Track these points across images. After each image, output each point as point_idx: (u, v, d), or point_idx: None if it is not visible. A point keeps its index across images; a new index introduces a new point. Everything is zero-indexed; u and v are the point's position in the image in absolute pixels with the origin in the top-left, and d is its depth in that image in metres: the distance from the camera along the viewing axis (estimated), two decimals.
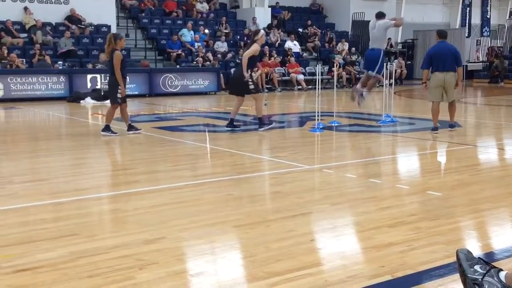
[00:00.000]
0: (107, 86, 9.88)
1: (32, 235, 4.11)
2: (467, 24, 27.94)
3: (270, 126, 9.95)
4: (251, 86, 9.73)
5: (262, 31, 10.30)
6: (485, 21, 28.54)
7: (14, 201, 5.15)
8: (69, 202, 5.11)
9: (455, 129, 9.69)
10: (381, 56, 10.52)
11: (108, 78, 9.53)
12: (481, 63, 26.99)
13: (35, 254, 3.69)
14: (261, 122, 9.89)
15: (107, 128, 9.16)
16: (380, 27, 10.67)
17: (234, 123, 9.91)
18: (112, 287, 3.17)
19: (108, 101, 15.05)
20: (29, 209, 4.88)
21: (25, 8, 18.41)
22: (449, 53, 9.42)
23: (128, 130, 9.31)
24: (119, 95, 9.08)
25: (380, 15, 10.85)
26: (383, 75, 11.05)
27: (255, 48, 9.69)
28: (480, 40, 28.55)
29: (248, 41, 11.66)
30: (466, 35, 26.90)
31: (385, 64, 10.74)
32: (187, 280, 3.31)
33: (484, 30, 28.48)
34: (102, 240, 3.99)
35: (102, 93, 15.75)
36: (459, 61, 9.45)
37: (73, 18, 19.14)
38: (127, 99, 9.48)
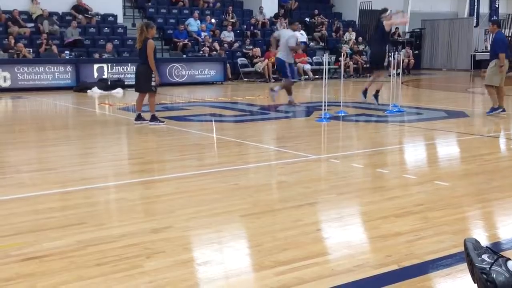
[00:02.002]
0: (134, 75, 9.75)
1: (40, 224, 4.13)
2: (475, 14, 27.69)
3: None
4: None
5: (388, 10, 11.49)
6: (494, 10, 28.28)
7: (22, 190, 5.17)
8: (77, 191, 5.13)
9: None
10: (283, 65, 11.66)
11: (137, 66, 9.45)
12: (489, 53, 26.80)
13: (43, 243, 3.71)
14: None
15: (154, 118, 9.15)
16: (284, 36, 11.76)
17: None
18: (119, 275, 3.19)
19: (115, 91, 15.35)
20: (36, 198, 4.90)
21: None
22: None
23: (151, 120, 9.17)
24: (153, 83, 9.05)
25: (291, 23, 12.41)
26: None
27: (388, 22, 11.12)
28: (488, 29, 28.34)
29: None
30: (474, 25, 26.68)
31: (288, 69, 11.63)
32: (194, 269, 3.32)
33: (492, 19, 28.23)
34: (110, 229, 4.01)
35: (109, 83, 15.77)
36: None
37: (79, 8, 19.12)
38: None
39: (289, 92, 11.94)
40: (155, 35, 20.19)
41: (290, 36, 11.55)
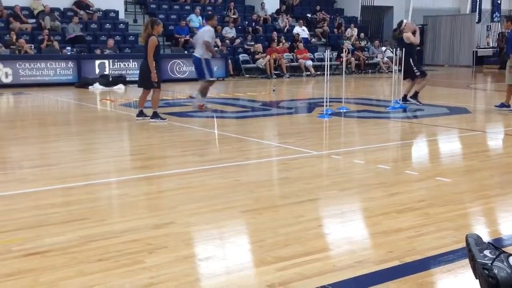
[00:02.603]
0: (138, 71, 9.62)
1: (42, 220, 4.14)
2: (477, 10, 27.61)
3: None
4: (417, 72, 10.69)
5: (405, 21, 11.18)
6: (496, 6, 28.17)
7: (24, 185, 5.17)
8: (78, 187, 5.13)
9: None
10: (199, 62, 10.67)
11: (141, 63, 9.32)
12: (491, 49, 26.75)
13: (45, 238, 3.71)
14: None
15: (155, 115, 9.09)
16: (200, 33, 11.04)
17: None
18: (121, 270, 3.19)
19: (117, 87, 15.35)
20: (38, 194, 4.91)
21: None
22: None
23: (152, 117, 9.09)
24: (156, 79, 9.01)
25: (208, 18, 11.43)
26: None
27: (408, 34, 10.70)
28: (490, 25, 28.27)
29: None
30: (477, 21, 26.62)
31: (206, 68, 10.68)
32: (195, 264, 3.33)
33: (494, 15, 28.14)
34: (112, 225, 4.01)
35: (110, 79, 15.77)
36: None
37: (81, 4, 19.10)
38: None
39: (203, 94, 10.86)
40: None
41: (206, 31, 10.83)
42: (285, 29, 22.32)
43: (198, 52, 10.72)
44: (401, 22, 11.22)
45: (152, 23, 8.99)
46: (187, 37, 19.50)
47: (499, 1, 28.01)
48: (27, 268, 3.23)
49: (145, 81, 9.14)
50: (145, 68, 9.05)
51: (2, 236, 3.78)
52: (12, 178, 5.58)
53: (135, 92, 14.30)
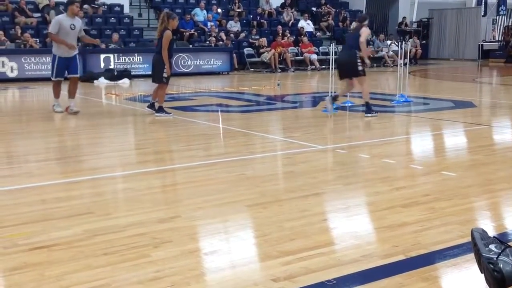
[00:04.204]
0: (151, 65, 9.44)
1: (47, 214, 4.15)
2: (483, 3, 27.44)
3: (375, 114, 9.08)
4: (360, 68, 9.12)
5: (367, 18, 9.80)
6: (502, 0, 28.02)
7: (29, 179, 5.19)
8: (84, 181, 5.15)
9: None
10: (53, 59, 9.38)
11: (153, 56, 9.19)
12: (497, 43, 26.61)
13: (51, 232, 3.73)
14: (368, 107, 9.14)
15: (161, 110, 9.04)
16: None
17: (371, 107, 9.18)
18: (127, 264, 3.20)
19: (122, 81, 15.36)
20: (44, 188, 4.92)
21: None
22: None
23: (158, 111, 9.03)
24: (165, 75, 8.93)
25: (68, 3, 9.36)
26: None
27: (367, 32, 9.33)
28: (496, 19, 28.09)
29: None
30: (482, 14, 26.46)
31: (55, 65, 9.25)
32: (201, 259, 3.34)
33: (500, 9, 27.96)
34: (117, 219, 4.03)
35: (115, 73, 15.78)
36: None
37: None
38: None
39: (70, 94, 9.54)
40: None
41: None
42: (290, 23, 22.27)
43: (53, 48, 9.42)
44: (366, 17, 10.21)
45: (168, 16, 8.89)
46: (192, 31, 19.49)
47: None
48: (33, 262, 3.25)
49: (155, 75, 9.10)
50: (156, 62, 8.99)
51: (9, 230, 3.79)
52: (18, 172, 5.60)
53: (140, 87, 14.35)
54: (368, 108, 9.12)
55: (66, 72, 9.60)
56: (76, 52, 9.60)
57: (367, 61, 9.61)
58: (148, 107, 9.31)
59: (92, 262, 3.24)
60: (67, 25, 9.23)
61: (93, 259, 3.28)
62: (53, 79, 9.56)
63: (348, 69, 9.21)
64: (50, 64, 9.71)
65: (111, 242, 3.54)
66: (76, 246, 3.49)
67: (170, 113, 9.11)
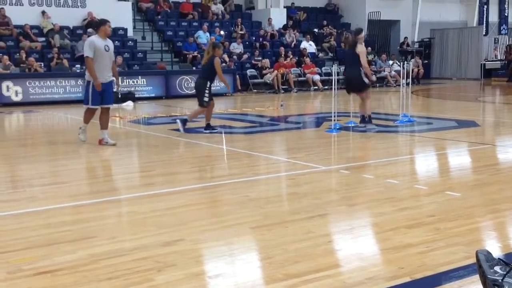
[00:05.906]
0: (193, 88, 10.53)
1: (52, 238, 4.15)
2: (484, 22, 27.61)
3: (376, 128, 9.89)
4: (366, 81, 9.97)
5: (363, 31, 10.38)
6: (503, 19, 28.18)
7: (34, 204, 5.20)
8: (88, 204, 5.15)
9: None
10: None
11: (196, 80, 10.26)
12: (499, 62, 26.71)
13: (55, 257, 3.73)
14: (363, 119, 10.02)
15: (208, 126, 9.82)
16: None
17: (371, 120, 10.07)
18: None
19: (126, 103, 15.45)
20: (48, 212, 4.93)
21: (43, 12, 18.60)
22: None
23: (206, 129, 9.81)
24: (205, 99, 9.70)
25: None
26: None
27: (363, 49, 9.92)
28: (498, 38, 28.25)
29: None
30: (484, 33, 26.61)
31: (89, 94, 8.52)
32: (205, 282, 3.33)
33: (502, 28, 28.14)
34: (121, 242, 4.02)
35: (119, 96, 15.86)
36: None
37: (91, 23, 19.28)
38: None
39: (102, 126, 8.88)
40: (164, 47, 20.47)
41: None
42: (292, 44, 22.42)
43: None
44: (361, 30, 10.38)
45: (214, 46, 10.03)
46: (195, 53, 19.63)
47: (506, 14, 28.02)
48: (38, 287, 3.24)
49: (198, 99, 9.85)
50: (199, 86, 9.90)
51: (13, 255, 3.79)
52: (22, 196, 5.61)
53: (144, 109, 14.41)
54: (369, 120, 9.87)
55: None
56: (112, 78, 8.75)
57: (374, 78, 10.26)
58: (205, 129, 9.83)
59: (96, 287, 3.23)
60: (101, 46, 8.43)
61: (97, 284, 3.27)
62: (89, 106, 8.67)
63: (355, 84, 9.99)
64: (84, 90, 8.90)
65: (115, 266, 3.53)
66: (81, 270, 3.48)
67: (217, 128, 9.90)
